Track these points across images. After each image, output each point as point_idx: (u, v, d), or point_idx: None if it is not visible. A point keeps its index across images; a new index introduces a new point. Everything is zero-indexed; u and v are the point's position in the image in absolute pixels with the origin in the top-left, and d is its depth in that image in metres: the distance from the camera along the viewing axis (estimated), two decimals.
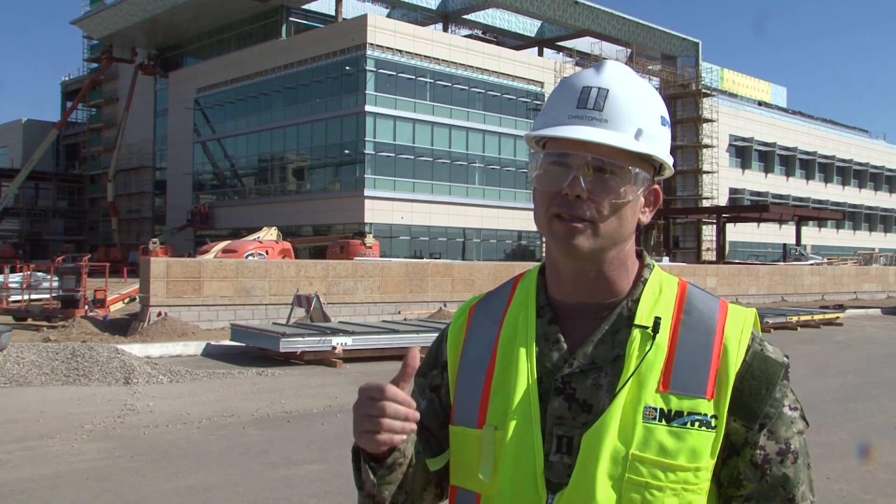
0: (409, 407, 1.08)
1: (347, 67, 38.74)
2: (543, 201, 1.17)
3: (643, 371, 1.11)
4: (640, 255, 1.26)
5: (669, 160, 1.19)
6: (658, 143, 1.17)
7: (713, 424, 1.10)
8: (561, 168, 1.15)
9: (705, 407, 1.10)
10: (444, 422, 1.25)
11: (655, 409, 1.09)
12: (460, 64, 40.70)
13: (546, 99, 1.27)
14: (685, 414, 1.09)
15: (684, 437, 1.08)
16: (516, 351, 1.19)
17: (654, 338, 1.14)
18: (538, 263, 1.32)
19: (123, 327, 16.99)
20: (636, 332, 1.15)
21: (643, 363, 1.12)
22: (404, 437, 1.08)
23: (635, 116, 1.15)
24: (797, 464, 1.13)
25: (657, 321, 1.15)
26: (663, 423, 1.09)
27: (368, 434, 1.07)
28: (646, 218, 1.22)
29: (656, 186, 1.22)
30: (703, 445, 1.09)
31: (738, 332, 1.16)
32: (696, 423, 1.09)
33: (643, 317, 1.16)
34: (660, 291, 1.20)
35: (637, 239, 1.25)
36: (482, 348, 1.23)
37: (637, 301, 1.19)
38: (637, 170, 1.16)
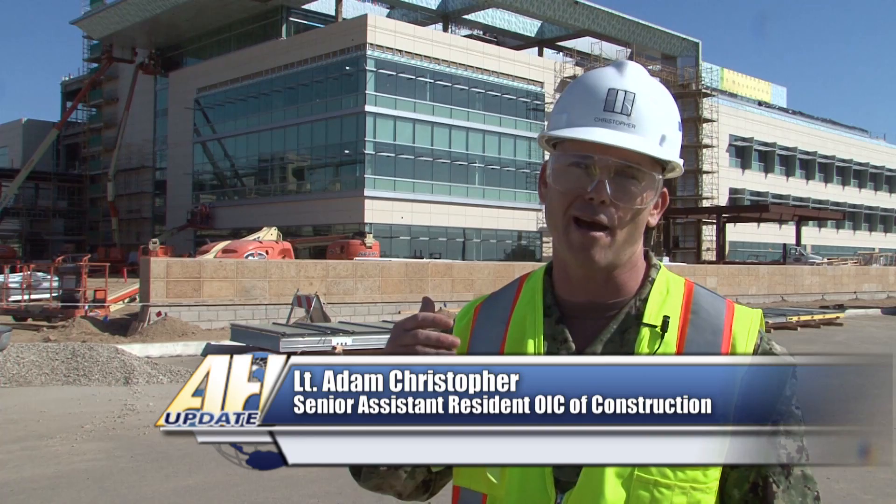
0: (445, 328, 1.09)
1: (347, 67, 38.74)
2: (562, 202, 1.16)
3: None
4: (646, 256, 1.26)
5: (681, 163, 1.20)
6: (676, 149, 1.19)
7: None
8: (582, 170, 1.14)
9: None
10: None
11: None
12: (460, 64, 40.70)
13: (561, 96, 1.25)
14: None
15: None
16: (524, 350, 1.19)
17: (662, 337, 1.14)
18: (542, 264, 1.32)
19: (123, 327, 17.00)
20: (645, 331, 1.16)
21: None
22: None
23: (659, 122, 1.16)
24: (809, 461, 1.14)
25: (666, 320, 1.16)
26: None
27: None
28: (654, 220, 1.23)
29: (664, 189, 1.23)
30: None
31: (745, 332, 1.17)
32: None
33: (652, 316, 1.17)
34: (667, 291, 1.21)
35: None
36: (489, 348, 1.23)
37: (645, 300, 1.19)
38: (658, 175, 1.16)
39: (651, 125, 1.15)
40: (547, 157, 1.25)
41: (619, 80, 1.16)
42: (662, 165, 1.19)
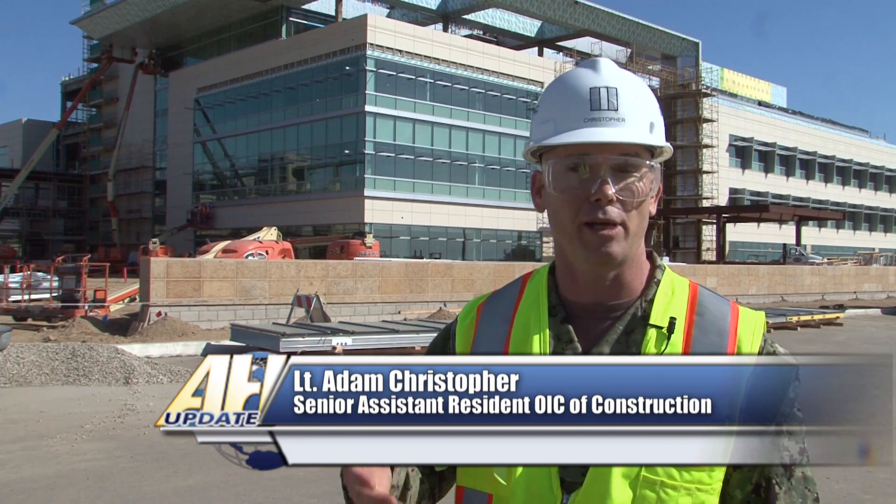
0: None
1: (347, 67, 38.74)
2: (569, 210, 1.15)
3: None
4: (650, 256, 1.26)
5: (669, 146, 1.21)
6: (664, 133, 1.20)
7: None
8: (581, 173, 1.14)
9: None
10: None
11: None
12: (460, 64, 40.70)
13: (541, 105, 1.23)
14: None
15: None
16: (529, 350, 1.19)
17: (669, 338, 1.14)
18: (543, 264, 1.32)
19: (123, 327, 16.99)
20: (651, 332, 1.16)
21: None
22: None
23: (645, 110, 1.16)
24: (810, 462, 1.14)
25: (672, 321, 1.16)
26: None
27: None
28: (653, 209, 1.22)
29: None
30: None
31: (750, 335, 1.17)
32: None
33: (658, 317, 1.17)
34: (672, 292, 1.21)
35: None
36: (492, 347, 1.22)
37: (651, 301, 1.19)
38: (654, 163, 1.17)
39: (639, 115, 1.15)
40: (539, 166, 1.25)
41: (597, 77, 1.16)
42: (652, 151, 1.19)
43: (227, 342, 14.78)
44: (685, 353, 1.14)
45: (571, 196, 1.15)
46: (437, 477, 1.25)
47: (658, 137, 1.16)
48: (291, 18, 45.37)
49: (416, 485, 1.21)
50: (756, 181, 56.94)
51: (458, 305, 20.08)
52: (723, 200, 52.08)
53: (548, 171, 1.17)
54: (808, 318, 21.61)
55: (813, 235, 58.96)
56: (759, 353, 1.16)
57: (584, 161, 1.14)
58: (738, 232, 51.98)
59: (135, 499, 5.66)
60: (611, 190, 1.12)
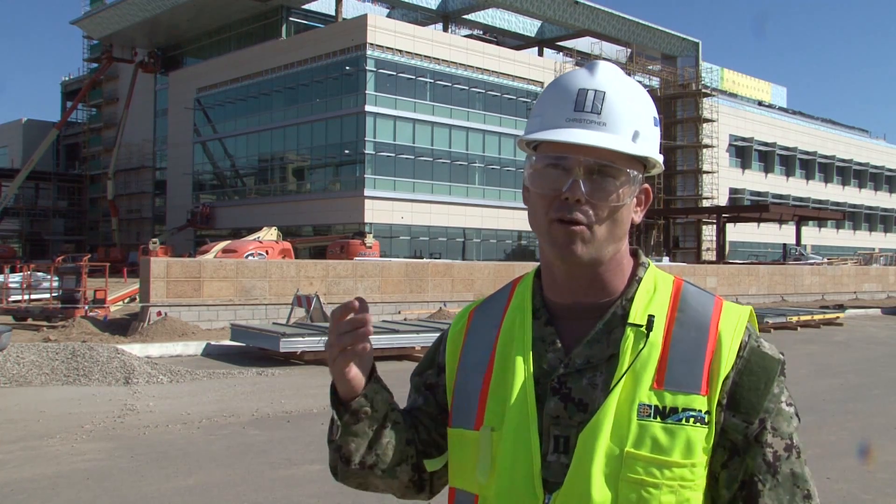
0: (360, 321, 1.12)
1: (347, 67, 38.75)
2: (542, 204, 1.17)
3: (637, 369, 1.12)
4: (635, 254, 1.26)
5: (660, 159, 1.20)
6: (652, 144, 1.19)
7: (706, 420, 1.10)
8: (558, 171, 1.15)
9: (699, 403, 1.10)
10: (438, 420, 1.28)
11: (650, 407, 1.09)
12: (460, 64, 40.71)
13: (537, 100, 1.25)
14: (679, 410, 1.09)
15: (678, 433, 1.08)
16: (513, 353, 1.19)
17: (647, 336, 1.14)
18: (537, 265, 1.32)
19: (123, 327, 16.98)
20: (630, 331, 1.15)
21: (637, 361, 1.12)
22: (359, 346, 1.13)
23: (632, 118, 1.16)
24: (801, 459, 1.14)
25: (650, 319, 1.15)
26: (658, 419, 1.09)
27: (332, 358, 1.14)
28: (638, 217, 1.23)
29: (647, 186, 1.23)
30: (697, 441, 1.09)
31: (731, 329, 1.16)
32: (691, 419, 1.09)
33: (637, 315, 1.17)
34: (654, 290, 1.20)
35: (636, 239, 1.25)
36: (481, 351, 1.24)
37: (631, 300, 1.19)
38: (634, 172, 1.17)
39: (623, 122, 1.15)
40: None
41: (590, 79, 1.17)
42: (643, 162, 1.19)
43: (228, 342, 14.77)
44: (665, 350, 1.13)
45: (545, 192, 1.16)
46: (432, 448, 1.26)
47: (641, 147, 1.16)
48: (291, 18, 45.39)
49: (394, 436, 1.21)
50: (756, 181, 56.94)
51: (458, 305, 20.07)
52: (723, 200, 52.09)
53: (528, 166, 1.19)
54: (808, 318, 21.60)
55: (813, 235, 58.97)
56: (741, 348, 1.15)
57: (562, 160, 1.15)
58: (738, 232, 51.99)
59: (135, 499, 5.66)
60: (580, 191, 1.13)
